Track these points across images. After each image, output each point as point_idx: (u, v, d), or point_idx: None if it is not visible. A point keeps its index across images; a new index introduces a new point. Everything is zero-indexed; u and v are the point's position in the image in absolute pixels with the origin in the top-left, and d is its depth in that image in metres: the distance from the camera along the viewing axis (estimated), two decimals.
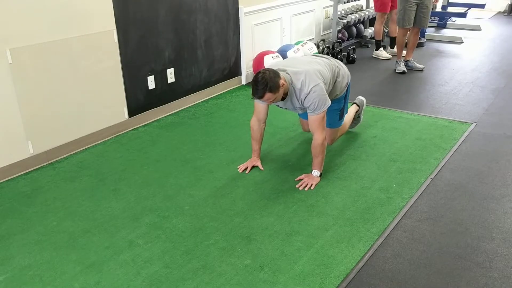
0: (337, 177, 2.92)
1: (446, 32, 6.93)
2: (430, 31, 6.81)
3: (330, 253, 2.23)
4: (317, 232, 2.39)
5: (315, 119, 2.72)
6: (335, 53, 5.52)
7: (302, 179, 2.86)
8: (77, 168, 3.15)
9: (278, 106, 2.87)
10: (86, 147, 3.44)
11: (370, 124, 3.69)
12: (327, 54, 5.46)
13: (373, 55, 5.76)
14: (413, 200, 2.65)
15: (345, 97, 3.10)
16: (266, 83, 2.52)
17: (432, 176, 2.89)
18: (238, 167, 3.03)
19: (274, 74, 2.57)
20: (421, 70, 5.09)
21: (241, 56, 4.75)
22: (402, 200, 2.64)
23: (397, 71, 5.08)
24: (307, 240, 2.33)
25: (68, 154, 3.33)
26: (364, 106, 3.57)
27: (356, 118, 3.50)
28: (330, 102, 2.74)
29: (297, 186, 2.82)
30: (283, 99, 2.72)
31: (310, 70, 2.69)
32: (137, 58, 3.68)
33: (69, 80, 3.24)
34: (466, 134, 3.48)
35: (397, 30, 5.17)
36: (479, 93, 4.36)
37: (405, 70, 5.06)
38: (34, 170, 3.12)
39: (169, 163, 3.17)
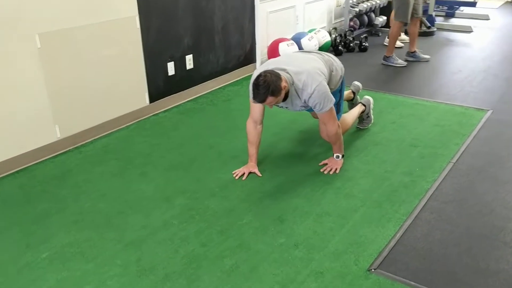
0: (360, 162, 2.98)
1: (454, 22, 6.96)
2: (439, 20, 6.84)
3: (361, 232, 2.30)
4: (347, 213, 2.46)
5: (325, 115, 2.71)
6: (348, 42, 5.55)
7: (326, 164, 2.90)
8: (103, 152, 3.20)
9: (277, 106, 2.73)
10: (110, 131, 3.49)
11: (388, 111, 3.75)
12: (340, 42, 5.50)
13: (386, 43, 5.80)
14: (437, 183, 2.71)
15: (340, 90, 3.02)
16: (268, 86, 2.43)
17: (453, 161, 2.96)
18: (233, 172, 2.86)
19: (275, 77, 2.47)
20: (427, 61, 5.10)
21: (256, 43, 4.79)
22: (427, 183, 2.71)
23: (396, 65, 4.95)
24: (337, 220, 2.40)
25: (92, 139, 3.38)
26: (372, 105, 3.45)
27: (366, 118, 3.41)
28: (333, 98, 2.68)
29: (321, 170, 2.85)
30: (283, 99, 2.61)
31: (311, 69, 2.63)
32: (158, 44, 3.72)
33: (94, 65, 3.28)
34: (483, 120, 3.54)
35: (394, 24, 4.96)
36: (492, 81, 4.42)
37: (405, 62, 5.00)
38: (61, 153, 3.17)
39: (194, 147, 3.23)
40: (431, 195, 2.60)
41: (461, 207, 2.49)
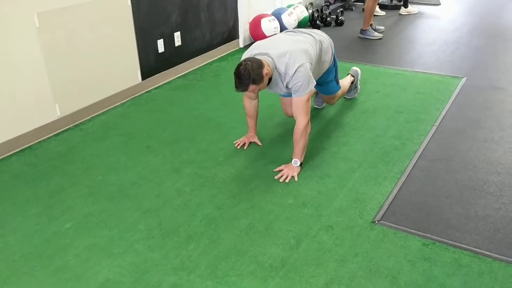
0: (351, 128, 3.19)
1: None
2: None
3: (362, 190, 2.51)
4: (346, 174, 2.66)
5: (299, 101, 2.57)
6: (324, 16, 5.72)
7: (282, 170, 2.68)
8: (104, 128, 3.28)
9: (267, 90, 2.73)
10: (107, 109, 3.56)
11: (371, 81, 3.96)
12: (318, 17, 5.66)
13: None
14: (424, 144, 2.95)
15: (335, 64, 3.03)
16: (248, 75, 2.40)
17: (436, 124, 3.20)
18: (234, 142, 2.99)
19: (257, 65, 2.43)
20: (381, 39, 5.21)
21: (239, 19, 4.89)
22: (415, 145, 2.94)
23: (373, 37, 5.14)
24: (338, 181, 2.60)
25: (91, 116, 3.44)
26: (359, 76, 3.59)
27: (354, 88, 3.55)
28: (314, 83, 2.58)
29: (276, 177, 2.63)
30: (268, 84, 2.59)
31: (294, 50, 2.55)
32: (148, 21, 3.78)
33: (90, 44, 3.32)
34: (459, 87, 3.80)
35: None
36: (464, 50, 4.70)
37: (380, 35, 5.19)
38: (62, 131, 3.23)
39: (192, 121, 3.35)
40: (420, 155, 2.84)
41: (447, 164, 2.74)
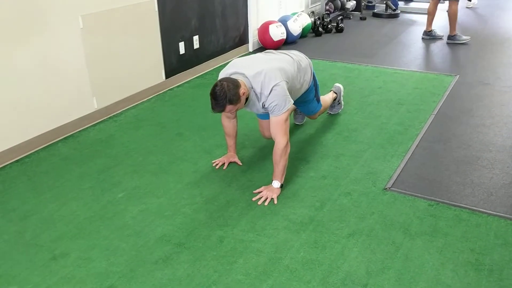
0: (359, 117, 3.57)
1: (414, 5, 7.71)
2: (401, 4, 7.57)
3: (373, 165, 2.89)
4: (358, 153, 3.04)
5: (277, 122, 2.50)
6: (325, 24, 6.16)
7: (261, 192, 2.61)
8: (135, 120, 3.64)
9: (245, 109, 2.69)
10: (135, 103, 3.92)
11: (373, 79, 4.37)
12: (319, 24, 6.09)
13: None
14: (424, 129, 3.34)
15: (315, 83, 3.02)
16: (225, 96, 2.36)
17: (434, 113, 3.60)
18: (212, 162, 2.93)
19: (233, 85, 2.39)
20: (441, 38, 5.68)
21: (249, 25, 5.30)
22: (416, 130, 3.34)
23: (462, 41, 5.42)
24: (352, 159, 2.98)
25: (122, 110, 3.80)
26: (342, 92, 3.57)
27: (337, 104, 3.55)
28: (292, 102, 2.54)
29: (253, 199, 2.56)
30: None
31: (269, 69, 2.51)
32: (171, 25, 4.16)
33: (123, 44, 3.70)
34: (452, 83, 4.22)
35: (451, 3, 5.38)
36: (456, 52, 5.14)
37: (469, 37, 5.49)
38: (99, 122, 3.59)
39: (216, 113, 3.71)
40: (421, 138, 3.23)
41: (445, 145, 3.13)
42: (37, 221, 2.44)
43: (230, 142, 2.93)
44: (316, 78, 3.06)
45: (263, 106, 2.55)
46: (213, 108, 2.46)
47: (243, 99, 2.46)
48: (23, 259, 2.17)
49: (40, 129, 3.19)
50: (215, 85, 2.41)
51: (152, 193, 2.67)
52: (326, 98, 3.37)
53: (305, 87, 2.88)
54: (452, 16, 5.41)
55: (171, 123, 3.56)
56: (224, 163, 2.90)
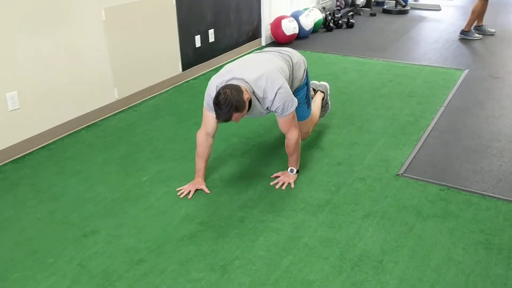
0: (372, 109, 3.68)
1: (424, 1, 7.78)
2: (410, 0, 7.65)
3: (386, 153, 3.00)
4: (371, 142, 3.15)
5: (286, 121, 2.53)
6: (336, 19, 6.25)
7: (279, 177, 2.73)
8: (155, 109, 3.77)
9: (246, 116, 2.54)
10: (154, 94, 4.05)
11: (384, 72, 4.47)
12: (331, 20, 6.19)
13: None
14: (435, 120, 3.44)
15: (307, 82, 2.89)
16: (230, 104, 2.25)
17: (444, 105, 3.70)
18: (177, 189, 2.65)
19: (236, 91, 2.28)
20: (493, 34, 5.70)
21: (262, 20, 5.41)
22: (427, 121, 3.44)
23: (474, 38, 5.53)
24: (365, 147, 3.09)
25: (141, 100, 3.93)
26: (329, 91, 3.35)
27: (324, 105, 3.32)
28: (297, 101, 2.54)
29: (271, 184, 2.67)
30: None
31: (270, 71, 2.45)
32: (188, 19, 4.28)
33: (142, 36, 3.82)
34: (462, 77, 4.31)
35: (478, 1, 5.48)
36: (465, 48, 5.23)
37: (480, 35, 5.58)
38: (119, 112, 3.72)
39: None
40: (432, 128, 3.33)
41: (455, 135, 3.23)
42: (66, 202, 2.57)
43: (201, 165, 2.67)
44: (309, 78, 2.92)
45: (267, 109, 2.51)
46: (218, 117, 2.35)
47: (247, 105, 2.36)
48: (56, 236, 2.30)
49: (64, 117, 3.33)
50: (218, 94, 2.29)
51: (175, 177, 2.79)
52: (317, 103, 3.18)
53: (296, 84, 2.79)
54: (475, 13, 5.50)
55: (189, 113, 3.69)
56: (190, 191, 2.62)
